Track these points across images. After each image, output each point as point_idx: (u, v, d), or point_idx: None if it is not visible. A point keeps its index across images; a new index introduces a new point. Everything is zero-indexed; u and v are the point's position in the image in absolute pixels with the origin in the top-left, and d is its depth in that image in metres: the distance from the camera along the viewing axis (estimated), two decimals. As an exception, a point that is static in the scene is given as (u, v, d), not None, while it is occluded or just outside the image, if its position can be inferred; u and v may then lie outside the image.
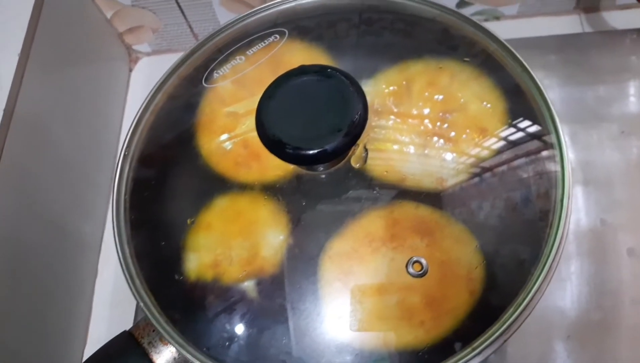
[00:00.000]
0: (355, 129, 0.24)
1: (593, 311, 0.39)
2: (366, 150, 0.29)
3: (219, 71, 0.33)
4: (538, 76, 0.48)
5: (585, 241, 0.40)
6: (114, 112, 0.55)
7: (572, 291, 0.39)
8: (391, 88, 0.32)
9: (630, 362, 0.38)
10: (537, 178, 0.30)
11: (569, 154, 0.45)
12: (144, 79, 0.57)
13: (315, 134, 0.24)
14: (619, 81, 0.46)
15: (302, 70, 0.26)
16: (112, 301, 0.49)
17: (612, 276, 0.39)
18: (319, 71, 0.26)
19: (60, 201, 0.46)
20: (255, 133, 0.29)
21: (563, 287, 0.39)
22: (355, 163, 0.29)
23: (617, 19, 0.51)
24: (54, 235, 0.45)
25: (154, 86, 0.34)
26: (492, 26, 0.53)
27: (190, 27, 0.54)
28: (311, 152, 0.24)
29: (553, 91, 0.46)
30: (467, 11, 0.53)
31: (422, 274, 0.27)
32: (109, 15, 0.52)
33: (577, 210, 0.42)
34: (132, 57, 0.57)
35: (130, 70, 0.57)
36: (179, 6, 0.51)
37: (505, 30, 0.52)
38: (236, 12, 0.52)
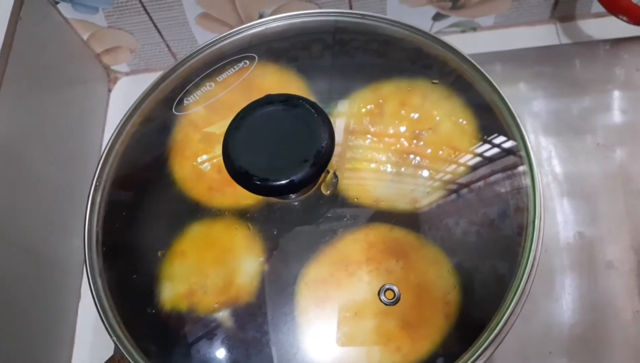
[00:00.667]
0: (321, 159, 0.24)
1: (574, 326, 0.38)
2: (336, 176, 0.29)
3: (189, 98, 0.33)
4: (521, 88, 0.48)
5: (564, 254, 0.40)
6: (93, 133, 0.55)
7: (553, 307, 0.39)
8: (361, 110, 0.32)
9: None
10: (510, 198, 0.30)
11: (555, 166, 0.45)
12: (124, 99, 0.56)
13: (282, 165, 0.24)
14: (598, 91, 0.46)
15: (268, 100, 0.26)
16: (95, 325, 0.49)
17: (593, 290, 0.39)
18: (284, 100, 0.26)
19: (39, 228, 0.45)
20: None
21: (543, 303, 0.39)
22: (326, 190, 0.29)
23: (592, 28, 0.51)
24: (34, 262, 0.44)
25: (125, 114, 0.33)
26: (469, 37, 0.54)
27: (167, 46, 0.53)
28: (278, 183, 0.24)
29: (538, 103, 0.47)
30: (443, 23, 0.53)
31: (395, 302, 0.27)
32: (85, 37, 0.52)
33: (557, 223, 0.42)
34: (110, 78, 0.57)
35: (110, 90, 0.57)
36: (156, 26, 0.51)
37: (482, 41, 0.53)
38: (212, 31, 0.52)
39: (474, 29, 0.53)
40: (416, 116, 0.32)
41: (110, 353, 0.37)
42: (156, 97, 0.35)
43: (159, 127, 0.34)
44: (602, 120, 0.45)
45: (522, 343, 0.38)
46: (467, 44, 0.52)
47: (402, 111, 0.32)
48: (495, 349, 0.29)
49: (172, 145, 0.33)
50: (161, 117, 0.34)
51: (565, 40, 0.51)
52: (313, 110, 0.25)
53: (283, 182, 0.24)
